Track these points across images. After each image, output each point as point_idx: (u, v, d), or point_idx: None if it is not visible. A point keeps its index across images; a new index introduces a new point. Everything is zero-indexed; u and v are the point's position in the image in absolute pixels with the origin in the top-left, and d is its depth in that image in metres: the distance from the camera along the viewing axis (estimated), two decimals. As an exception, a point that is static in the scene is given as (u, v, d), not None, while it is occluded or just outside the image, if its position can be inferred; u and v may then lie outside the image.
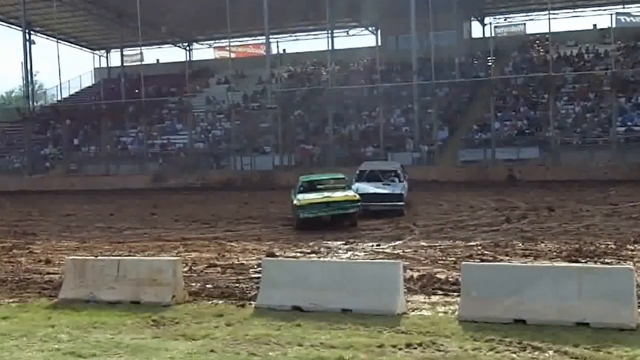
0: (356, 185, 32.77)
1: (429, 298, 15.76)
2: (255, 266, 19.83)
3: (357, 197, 29.31)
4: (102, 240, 28.03)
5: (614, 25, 58.18)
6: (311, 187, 30.92)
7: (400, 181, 34.06)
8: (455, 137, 57.60)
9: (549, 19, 56.27)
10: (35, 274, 20.97)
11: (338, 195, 29.49)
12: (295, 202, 29.30)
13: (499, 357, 11.56)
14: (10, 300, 17.41)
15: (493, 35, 67.75)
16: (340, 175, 32.89)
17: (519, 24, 73.41)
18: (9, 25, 74.83)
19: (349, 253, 22.81)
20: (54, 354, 12.69)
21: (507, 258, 20.36)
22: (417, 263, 20.09)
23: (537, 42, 68.87)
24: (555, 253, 20.87)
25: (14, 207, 44.60)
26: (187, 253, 23.57)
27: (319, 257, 22.03)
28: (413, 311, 14.59)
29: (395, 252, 22.35)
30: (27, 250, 25.76)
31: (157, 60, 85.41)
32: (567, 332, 12.47)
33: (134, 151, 65.96)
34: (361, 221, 29.59)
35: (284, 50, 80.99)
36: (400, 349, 12.02)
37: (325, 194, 29.73)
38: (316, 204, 28.77)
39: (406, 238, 25.17)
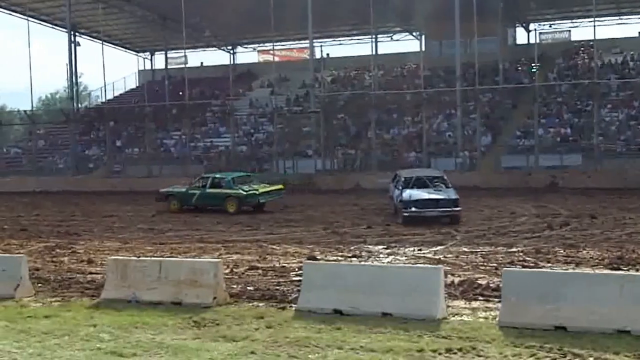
0: (407, 192, 31.61)
1: (470, 303, 15.77)
2: (296, 269, 19.92)
3: (282, 186, 41.16)
4: (144, 241, 28.24)
5: (659, 33, 57.68)
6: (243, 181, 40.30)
7: (447, 187, 32.64)
8: (498, 143, 57.25)
9: (594, 26, 56.08)
10: (77, 273, 21.23)
11: (269, 186, 40.01)
12: (241, 192, 38.08)
13: (538, 363, 11.57)
14: (53, 300, 17.63)
15: (538, 41, 67.51)
16: (247, 173, 44.74)
17: (563, 31, 73.18)
18: (55, 26, 75.33)
19: (390, 257, 22.85)
20: (95, 353, 12.84)
21: (549, 265, 20.31)
22: (458, 268, 20.09)
23: (582, 49, 68.37)
24: (597, 260, 20.80)
25: (58, 208, 44.83)
26: (228, 255, 23.72)
27: (359, 261, 22.11)
28: (453, 316, 14.60)
29: (437, 257, 22.37)
30: (70, 250, 26.06)
31: (201, 63, 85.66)
32: (607, 339, 12.44)
33: (177, 153, 66.08)
34: (403, 227, 29.79)
35: (328, 54, 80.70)
36: (440, 354, 12.05)
37: (256, 185, 39.62)
38: (264, 193, 38.73)
39: (447, 243, 25.13)
